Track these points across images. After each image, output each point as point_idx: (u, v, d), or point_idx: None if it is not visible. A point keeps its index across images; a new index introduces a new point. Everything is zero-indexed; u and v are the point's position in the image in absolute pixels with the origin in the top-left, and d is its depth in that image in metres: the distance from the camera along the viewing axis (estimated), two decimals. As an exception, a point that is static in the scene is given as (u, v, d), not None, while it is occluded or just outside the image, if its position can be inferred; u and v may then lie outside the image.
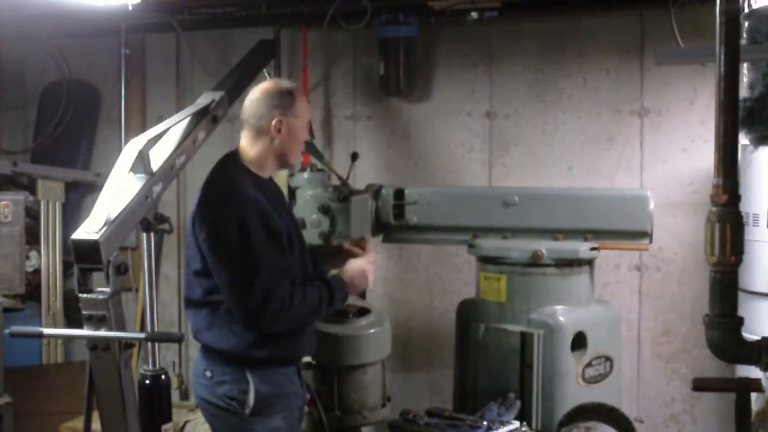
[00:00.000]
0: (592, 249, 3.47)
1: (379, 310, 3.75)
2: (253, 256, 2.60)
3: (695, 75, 4.02)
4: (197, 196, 2.77)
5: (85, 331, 2.65)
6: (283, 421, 2.75)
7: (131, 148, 2.92)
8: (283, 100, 2.76)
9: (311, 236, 3.51)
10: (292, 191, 3.68)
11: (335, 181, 3.89)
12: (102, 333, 2.62)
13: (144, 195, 2.87)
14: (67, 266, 4.92)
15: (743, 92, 3.32)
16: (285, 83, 2.87)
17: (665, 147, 4.17)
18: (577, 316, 3.41)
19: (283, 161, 2.84)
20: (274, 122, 2.74)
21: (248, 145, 2.79)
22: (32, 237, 4.89)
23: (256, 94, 2.79)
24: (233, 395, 2.70)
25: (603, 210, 3.50)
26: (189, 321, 2.91)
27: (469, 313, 3.63)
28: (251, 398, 2.68)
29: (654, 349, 4.25)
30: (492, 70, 4.47)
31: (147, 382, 3.39)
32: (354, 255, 2.95)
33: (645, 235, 3.47)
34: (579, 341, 3.40)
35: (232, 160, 2.80)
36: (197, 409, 3.51)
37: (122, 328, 2.70)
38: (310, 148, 3.97)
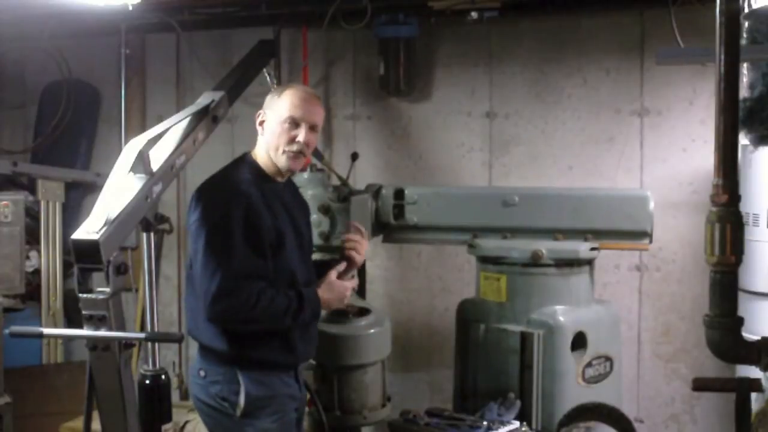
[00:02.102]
0: (592, 249, 3.46)
1: (379, 310, 3.75)
2: (228, 246, 2.59)
3: (695, 75, 4.02)
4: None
5: (85, 331, 2.65)
6: (275, 424, 2.72)
7: (131, 148, 2.91)
8: (270, 97, 2.80)
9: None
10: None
11: (335, 181, 3.89)
12: (102, 333, 2.61)
13: (144, 195, 2.86)
14: (67, 266, 4.92)
15: (743, 92, 3.32)
16: (291, 86, 2.87)
17: (665, 147, 4.17)
18: (577, 316, 3.41)
19: (275, 160, 2.77)
20: (257, 116, 2.80)
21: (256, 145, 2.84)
22: (32, 237, 4.89)
23: None
24: (225, 396, 2.69)
25: (603, 210, 3.49)
26: (186, 317, 2.90)
27: (469, 313, 3.63)
28: (242, 399, 2.67)
29: (654, 349, 4.25)
30: (492, 70, 4.47)
31: (147, 382, 3.39)
32: (351, 248, 2.92)
33: (645, 235, 3.47)
34: (579, 341, 3.39)
35: (243, 157, 2.83)
36: (197, 409, 3.51)
37: (122, 328, 2.70)
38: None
